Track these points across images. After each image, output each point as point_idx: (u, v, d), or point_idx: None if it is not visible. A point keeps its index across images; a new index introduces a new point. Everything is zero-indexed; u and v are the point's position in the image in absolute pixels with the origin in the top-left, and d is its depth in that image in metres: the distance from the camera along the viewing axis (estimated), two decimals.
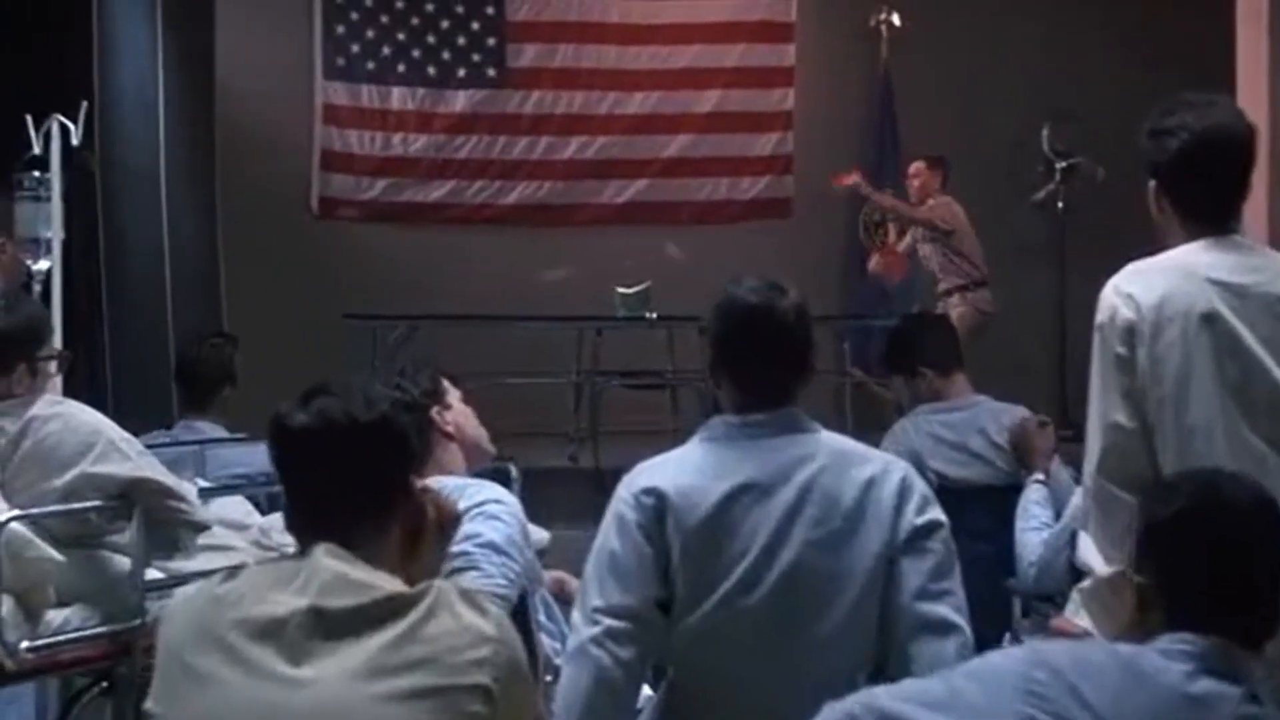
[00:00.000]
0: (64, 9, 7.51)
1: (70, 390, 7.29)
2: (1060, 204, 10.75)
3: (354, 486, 2.40)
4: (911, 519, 2.95)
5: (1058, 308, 10.64)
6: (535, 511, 3.64)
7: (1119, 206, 10.09)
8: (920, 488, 3.02)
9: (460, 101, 10.69)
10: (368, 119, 10.59)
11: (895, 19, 11.01)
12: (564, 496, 7.82)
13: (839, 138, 11.02)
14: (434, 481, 3.18)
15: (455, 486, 3.26)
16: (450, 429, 3.56)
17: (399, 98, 10.63)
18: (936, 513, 3.00)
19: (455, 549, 2.94)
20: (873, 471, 2.99)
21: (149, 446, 4.05)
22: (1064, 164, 10.70)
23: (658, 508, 2.94)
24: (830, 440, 3.06)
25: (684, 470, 3.02)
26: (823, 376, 10.19)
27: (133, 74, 8.11)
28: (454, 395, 3.64)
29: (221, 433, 5.11)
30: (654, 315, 8.11)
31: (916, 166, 9.50)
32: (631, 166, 10.87)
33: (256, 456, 4.89)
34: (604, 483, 7.97)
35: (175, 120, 8.49)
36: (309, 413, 2.41)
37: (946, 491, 3.80)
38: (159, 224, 8.29)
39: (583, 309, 9.21)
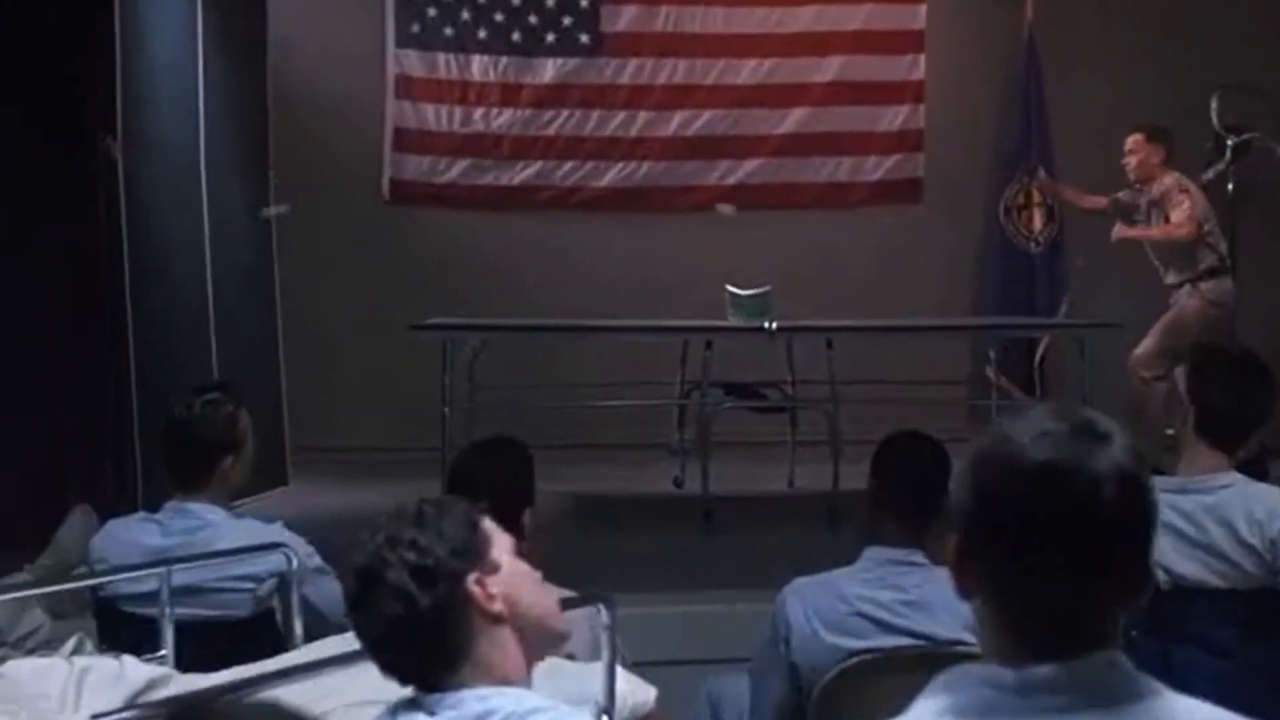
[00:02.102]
0: None
1: (88, 426, 6.40)
2: (1231, 185, 9.65)
3: None
4: None
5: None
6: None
7: None
8: None
9: (549, 71, 9.90)
10: (445, 91, 9.83)
11: None
12: (667, 542, 6.72)
13: (977, 111, 10.15)
14: (478, 701, 2.15)
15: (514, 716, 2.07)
16: (498, 607, 2.32)
17: (480, 67, 9.85)
18: None
19: None
20: None
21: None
22: (1236, 140, 9.62)
23: None
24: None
25: None
26: (955, 388, 9.53)
27: (165, 42, 7.03)
28: (503, 547, 2.39)
29: (220, 516, 3.91)
30: (774, 326, 6.94)
31: (1135, 140, 8.35)
32: (742, 144, 10.02)
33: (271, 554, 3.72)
34: (712, 515, 7.07)
35: (219, 96, 7.41)
36: None
37: (1178, 592, 3.54)
38: (198, 218, 7.22)
39: (687, 307, 8.46)
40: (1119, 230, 8.38)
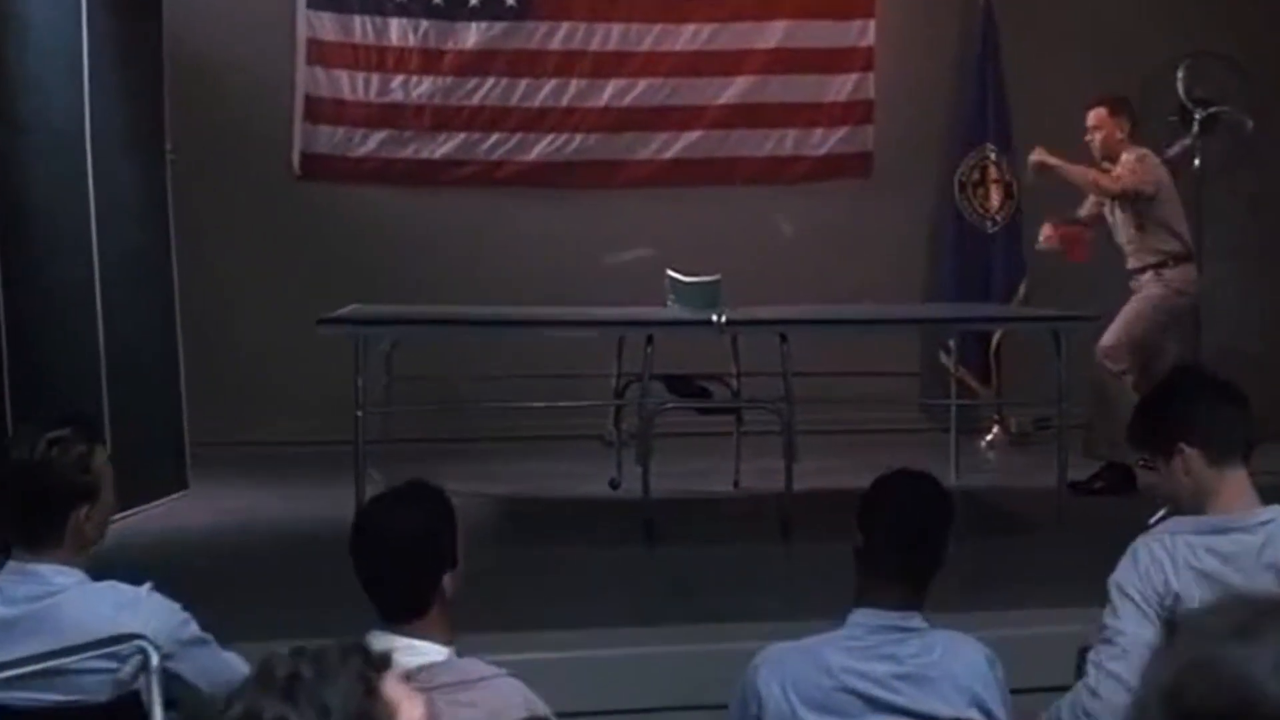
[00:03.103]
0: None
1: None
2: (1197, 161, 9.30)
3: None
4: None
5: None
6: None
7: (1271, 167, 9.67)
8: None
9: (473, 35, 9.38)
10: (361, 57, 9.30)
11: None
12: (605, 558, 6.13)
13: (930, 80, 9.71)
14: None
15: None
16: None
17: (399, 31, 9.32)
18: None
19: None
20: None
21: None
22: (1204, 113, 9.31)
23: None
24: None
25: None
26: (909, 380, 9.20)
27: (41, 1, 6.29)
28: (411, 709, 1.69)
29: (72, 580, 3.20)
30: (723, 319, 6.32)
31: (1097, 114, 7.77)
32: (680, 115, 9.56)
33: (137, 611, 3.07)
34: (653, 526, 6.49)
35: (106, 62, 6.73)
36: None
37: None
38: (84, 201, 6.53)
39: (623, 291, 8.01)
40: (1037, 154, 7.79)
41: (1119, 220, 7.74)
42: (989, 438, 9.15)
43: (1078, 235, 7.97)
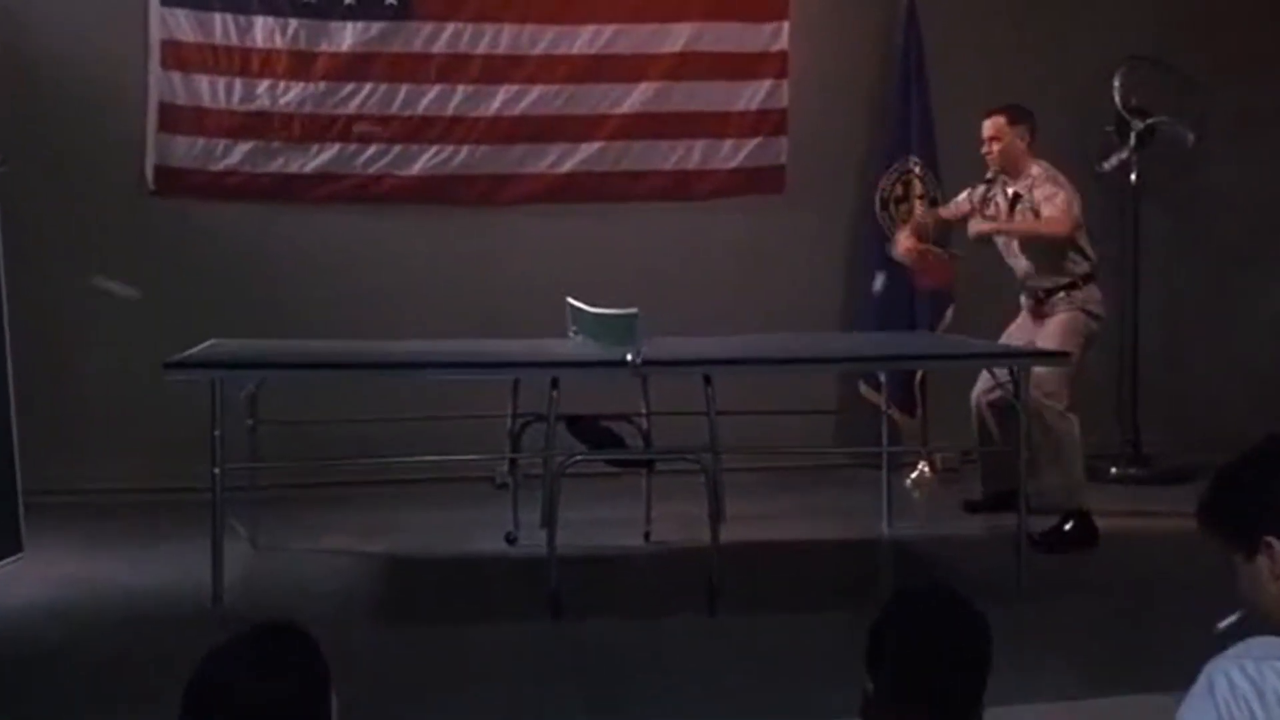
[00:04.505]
0: None
1: None
2: (1134, 176, 9.02)
3: None
4: None
5: (1128, 310, 9.02)
6: None
7: (1212, 182, 9.26)
8: None
9: (348, 37, 8.80)
10: (223, 60, 8.69)
11: None
12: (503, 641, 5.35)
13: (849, 87, 9.24)
14: None
15: None
16: None
17: (265, 31, 8.71)
18: None
19: None
20: None
21: None
22: (1142, 125, 8.98)
23: None
24: None
25: None
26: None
27: None
28: None
29: None
30: (639, 360, 5.53)
31: (996, 124, 7.25)
32: (577, 125, 9.04)
33: None
34: (560, 602, 5.72)
35: None
36: None
37: None
38: None
39: (517, 318, 7.69)
40: (975, 225, 7.32)
41: (1022, 246, 7.22)
42: (914, 475, 8.50)
43: (935, 265, 7.58)
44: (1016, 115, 7.22)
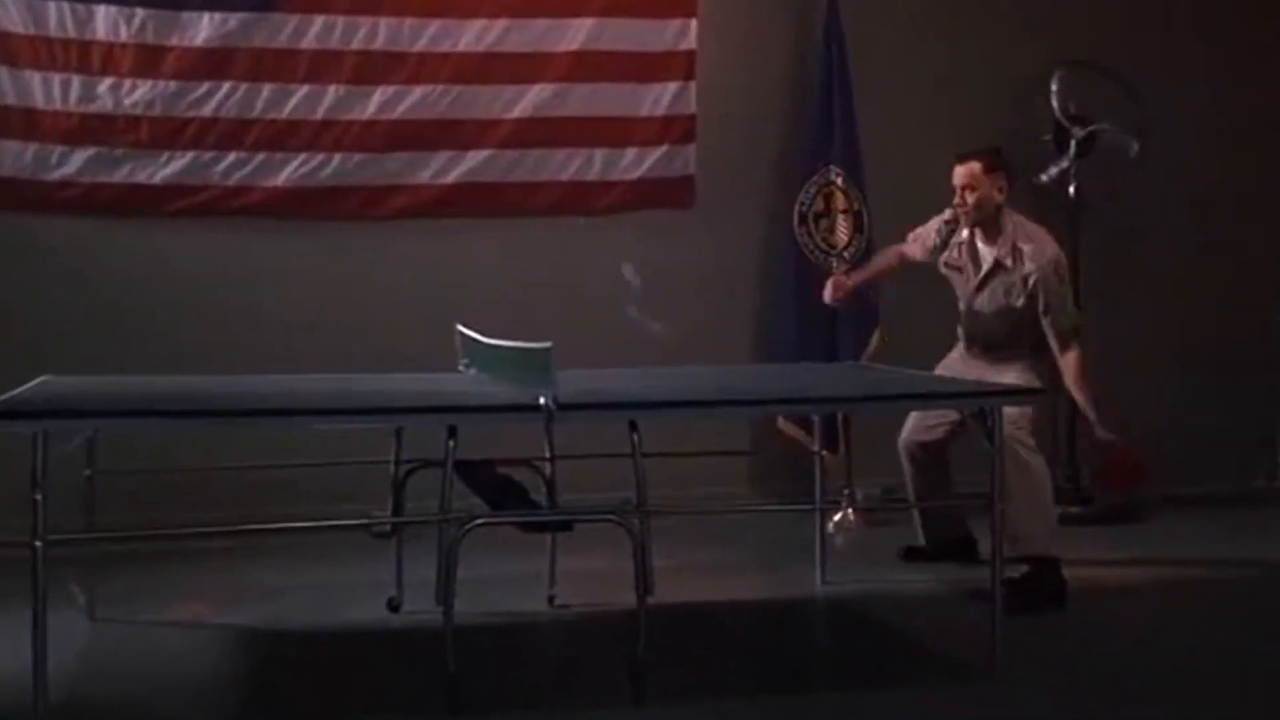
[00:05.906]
0: None
1: None
2: (1073, 189, 8.63)
3: None
4: None
5: None
6: None
7: (1159, 193, 8.50)
8: None
9: (204, 29, 8.27)
10: (59, 55, 8.14)
11: None
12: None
13: (763, 90, 8.84)
14: None
15: None
16: None
17: (108, 22, 8.15)
18: None
19: None
20: None
21: None
22: (1081, 133, 8.60)
23: None
24: None
25: None
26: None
27: None
28: None
29: None
30: (554, 404, 4.71)
31: (970, 171, 6.53)
32: (463, 131, 8.58)
33: None
34: (458, 686, 4.91)
35: None
36: None
37: None
38: None
39: (400, 346, 7.18)
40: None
41: (1001, 307, 6.58)
42: (836, 518, 7.90)
43: (1125, 464, 7.04)
44: (993, 161, 6.52)
